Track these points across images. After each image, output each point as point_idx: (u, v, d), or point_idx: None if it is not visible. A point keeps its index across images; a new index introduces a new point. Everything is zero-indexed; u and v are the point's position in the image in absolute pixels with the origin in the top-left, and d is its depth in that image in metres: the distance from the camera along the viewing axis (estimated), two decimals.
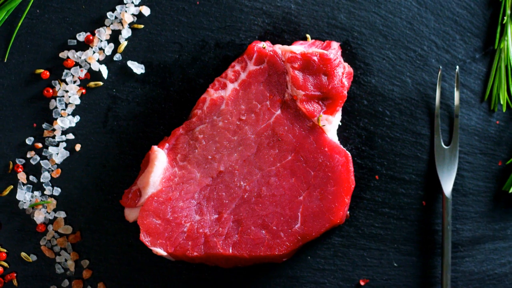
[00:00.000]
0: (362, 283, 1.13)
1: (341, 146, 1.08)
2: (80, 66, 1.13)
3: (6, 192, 1.11)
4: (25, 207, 1.12)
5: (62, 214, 1.12)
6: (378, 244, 1.13)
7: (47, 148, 1.12)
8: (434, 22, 1.14)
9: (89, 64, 1.12)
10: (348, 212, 1.12)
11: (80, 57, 1.12)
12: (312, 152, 1.07)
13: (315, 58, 1.07)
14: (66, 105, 1.12)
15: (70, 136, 1.12)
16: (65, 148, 1.12)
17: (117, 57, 1.13)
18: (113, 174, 1.12)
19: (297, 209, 1.06)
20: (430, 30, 1.14)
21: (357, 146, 1.13)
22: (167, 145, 1.08)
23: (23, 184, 1.12)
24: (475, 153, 1.14)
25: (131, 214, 1.07)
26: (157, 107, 1.12)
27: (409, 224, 1.13)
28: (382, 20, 1.14)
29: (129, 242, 1.11)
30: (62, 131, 1.12)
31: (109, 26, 1.13)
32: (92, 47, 1.12)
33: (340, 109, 1.09)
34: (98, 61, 1.13)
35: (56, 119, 1.12)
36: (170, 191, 1.06)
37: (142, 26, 1.13)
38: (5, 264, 1.11)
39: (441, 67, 1.13)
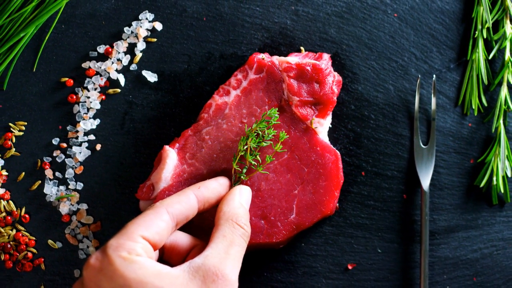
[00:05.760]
0: (349, 267, 1.13)
1: (331, 146, 1.09)
2: (100, 75, 1.14)
3: (34, 187, 1.13)
4: (51, 200, 1.13)
5: (84, 206, 1.13)
6: (364, 232, 1.14)
7: (71, 148, 1.13)
8: (413, 36, 1.15)
9: (108, 73, 1.13)
10: (337, 204, 1.12)
11: (100, 67, 1.13)
12: (305, 151, 1.08)
13: (308, 68, 1.08)
14: (88, 109, 1.13)
15: (92, 137, 1.13)
16: (87, 148, 1.13)
17: (133, 67, 1.14)
18: (130, 171, 1.13)
19: (292, 202, 1.08)
20: (410, 43, 1.15)
21: (346, 145, 1.14)
22: (177, 145, 1.09)
23: (50, 180, 1.13)
24: (450, 152, 1.15)
25: (145, 206, 1.08)
26: (168, 111, 1.13)
27: (391, 215, 1.14)
28: (367, 34, 1.15)
29: None
30: (84, 132, 1.13)
31: (126, 39, 1.14)
32: (111, 58, 1.13)
33: (331, 113, 1.10)
34: (116, 70, 1.14)
35: (79, 122, 1.13)
36: (180, 185, 1.07)
37: (155, 39, 1.14)
38: (34, 251, 1.12)
39: (419, 76, 1.15)
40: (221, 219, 0.97)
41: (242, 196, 1.01)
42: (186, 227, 1.04)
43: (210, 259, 0.90)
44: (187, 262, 0.91)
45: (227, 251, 0.92)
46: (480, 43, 1.14)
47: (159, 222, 0.92)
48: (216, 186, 1.02)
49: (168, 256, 0.99)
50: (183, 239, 0.99)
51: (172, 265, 0.98)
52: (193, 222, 1.05)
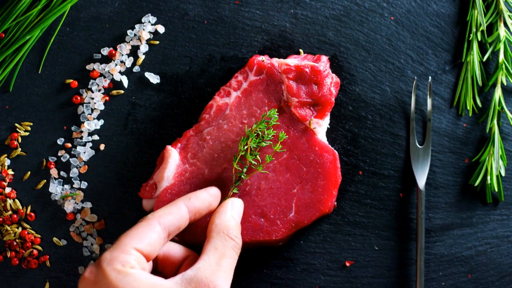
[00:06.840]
0: (347, 264, 1.14)
1: (330, 146, 1.10)
2: (104, 77, 1.14)
3: (40, 186, 1.13)
4: (56, 199, 1.13)
5: (88, 205, 1.13)
6: (361, 230, 1.14)
7: (76, 148, 1.14)
8: (409, 38, 1.15)
9: (112, 75, 1.14)
10: (335, 203, 1.12)
11: (104, 69, 1.14)
12: (304, 151, 1.08)
13: (307, 69, 1.08)
14: (92, 110, 1.14)
15: (96, 137, 1.14)
16: (91, 148, 1.14)
17: (136, 69, 1.14)
18: (133, 170, 1.13)
19: (291, 200, 1.08)
20: (406, 45, 1.15)
21: (343, 145, 1.14)
22: (179, 145, 1.09)
23: (55, 179, 1.13)
24: (445, 152, 1.16)
25: (148, 205, 1.10)
26: (170, 112, 1.14)
27: (388, 213, 1.14)
28: (365, 37, 1.15)
29: None
30: (89, 133, 1.14)
31: (129, 42, 1.14)
32: (114, 60, 1.14)
33: (329, 113, 1.10)
34: (120, 72, 1.14)
35: (83, 122, 1.14)
36: (182, 184, 1.08)
37: (157, 42, 1.14)
38: (40, 248, 1.13)
39: (415, 77, 1.15)
40: (213, 231, 0.98)
41: (233, 209, 1.02)
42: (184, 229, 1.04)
43: (202, 271, 0.91)
44: (180, 274, 0.92)
45: (219, 263, 0.93)
46: (475, 46, 1.15)
47: (152, 234, 0.93)
48: (206, 196, 1.03)
49: (162, 267, 1.00)
50: (176, 250, 1.00)
51: (165, 275, 0.99)
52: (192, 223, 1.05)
